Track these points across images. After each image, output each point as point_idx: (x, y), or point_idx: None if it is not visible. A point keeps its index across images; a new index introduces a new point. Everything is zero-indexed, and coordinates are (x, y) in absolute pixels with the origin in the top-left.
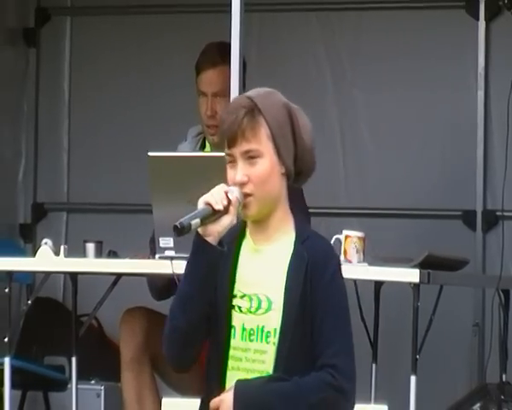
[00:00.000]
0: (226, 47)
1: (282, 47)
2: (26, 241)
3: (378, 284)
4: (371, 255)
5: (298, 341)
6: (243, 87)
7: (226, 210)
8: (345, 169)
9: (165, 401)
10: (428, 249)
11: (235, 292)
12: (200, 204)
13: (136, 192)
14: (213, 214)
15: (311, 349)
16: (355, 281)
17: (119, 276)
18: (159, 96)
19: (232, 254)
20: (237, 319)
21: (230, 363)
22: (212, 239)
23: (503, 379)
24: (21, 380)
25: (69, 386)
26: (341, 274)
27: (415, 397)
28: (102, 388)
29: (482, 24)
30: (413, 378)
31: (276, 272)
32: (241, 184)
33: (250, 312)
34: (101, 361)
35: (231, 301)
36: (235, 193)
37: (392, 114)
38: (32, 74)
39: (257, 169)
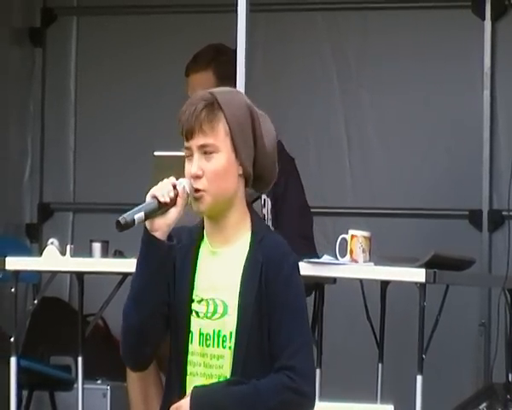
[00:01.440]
0: (215, 52)
1: (288, 47)
2: (32, 241)
3: (384, 284)
4: (377, 255)
5: (255, 344)
6: None
7: (174, 202)
8: (351, 169)
9: None
10: (434, 249)
11: (194, 297)
12: (148, 198)
13: (143, 192)
14: (160, 208)
15: (269, 351)
16: (361, 281)
17: (125, 276)
18: (165, 96)
19: (191, 258)
20: (195, 324)
21: (189, 369)
22: (160, 234)
23: (510, 379)
24: (27, 380)
25: (75, 386)
26: (299, 272)
27: (421, 397)
28: (108, 387)
29: (488, 23)
30: (419, 378)
31: (232, 276)
32: (196, 178)
33: (207, 317)
34: (108, 361)
35: (190, 307)
36: (182, 184)
37: (399, 114)
38: (38, 74)
39: (212, 164)
